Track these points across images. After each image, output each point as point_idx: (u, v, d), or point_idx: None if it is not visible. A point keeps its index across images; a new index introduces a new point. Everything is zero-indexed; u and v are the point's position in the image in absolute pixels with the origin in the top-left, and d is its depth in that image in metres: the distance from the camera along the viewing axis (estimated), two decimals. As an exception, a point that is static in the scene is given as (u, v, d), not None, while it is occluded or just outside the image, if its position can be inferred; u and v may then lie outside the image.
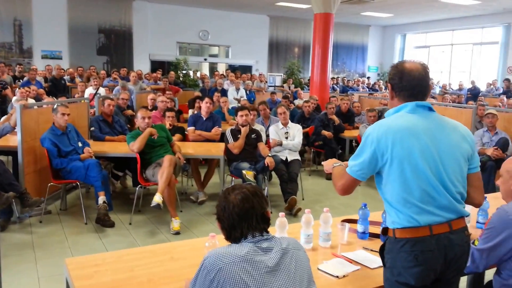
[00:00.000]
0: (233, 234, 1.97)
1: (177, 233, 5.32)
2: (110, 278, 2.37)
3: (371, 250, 2.80)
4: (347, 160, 2.34)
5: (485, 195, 3.38)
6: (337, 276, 2.46)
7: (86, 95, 9.92)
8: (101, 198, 5.49)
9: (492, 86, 16.52)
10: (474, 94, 15.81)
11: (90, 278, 2.36)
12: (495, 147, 6.85)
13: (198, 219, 5.92)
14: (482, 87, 17.07)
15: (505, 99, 12.51)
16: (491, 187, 6.36)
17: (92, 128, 6.78)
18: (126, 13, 17.60)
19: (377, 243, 2.36)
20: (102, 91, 10.35)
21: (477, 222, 3.28)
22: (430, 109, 2.24)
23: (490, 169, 6.62)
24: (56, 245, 4.94)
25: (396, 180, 2.13)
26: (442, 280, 2.21)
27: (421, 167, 2.10)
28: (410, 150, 2.10)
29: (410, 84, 2.21)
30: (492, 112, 7.27)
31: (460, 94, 14.37)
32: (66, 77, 13.51)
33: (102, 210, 5.43)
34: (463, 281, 3.30)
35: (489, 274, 2.81)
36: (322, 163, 2.58)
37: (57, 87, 12.24)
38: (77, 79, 13.45)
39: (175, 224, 5.37)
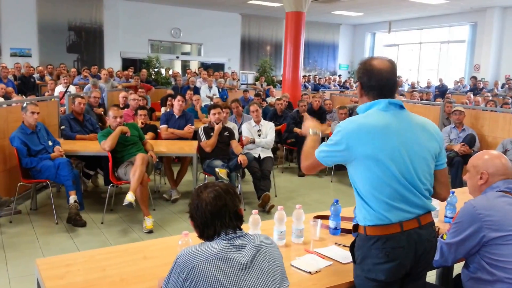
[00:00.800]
0: (206, 232, 1.97)
1: (150, 231, 5.29)
2: (82, 278, 2.35)
3: (343, 246, 2.83)
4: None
5: (453, 190, 3.47)
6: (310, 272, 2.48)
7: (56, 93, 9.77)
8: (72, 198, 5.42)
9: (459, 84, 16.82)
10: (442, 91, 16.08)
11: (61, 278, 2.33)
12: (462, 143, 6.97)
13: (171, 217, 5.90)
14: (450, 85, 17.37)
15: (472, 96, 12.74)
16: (458, 182, 6.51)
17: (63, 127, 6.67)
18: (97, 10, 17.38)
19: (349, 239, 2.40)
20: (72, 89, 10.21)
21: (445, 216, 3.35)
22: (402, 107, 2.26)
23: (457, 164, 6.75)
24: (26, 245, 4.87)
25: (366, 178, 2.16)
26: (411, 274, 2.25)
27: (390, 166, 2.12)
28: (379, 149, 2.13)
29: (379, 84, 2.24)
30: (460, 109, 7.40)
31: (428, 92, 14.58)
32: (36, 75, 13.29)
33: (73, 210, 5.37)
34: (432, 274, 3.39)
35: (458, 268, 2.87)
36: (304, 121, 2.55)
37: (26, 85, 12.03)
38: (47, 77, 13.22)
39: (148, 222, 5.34)
